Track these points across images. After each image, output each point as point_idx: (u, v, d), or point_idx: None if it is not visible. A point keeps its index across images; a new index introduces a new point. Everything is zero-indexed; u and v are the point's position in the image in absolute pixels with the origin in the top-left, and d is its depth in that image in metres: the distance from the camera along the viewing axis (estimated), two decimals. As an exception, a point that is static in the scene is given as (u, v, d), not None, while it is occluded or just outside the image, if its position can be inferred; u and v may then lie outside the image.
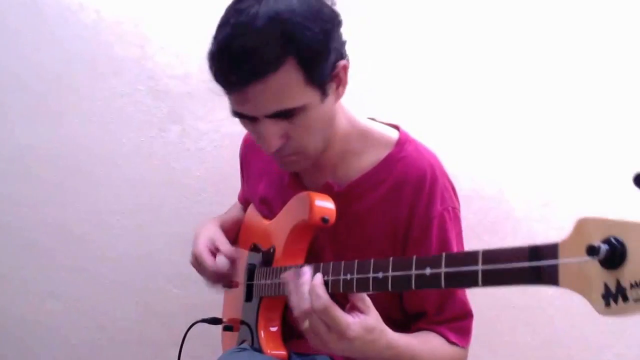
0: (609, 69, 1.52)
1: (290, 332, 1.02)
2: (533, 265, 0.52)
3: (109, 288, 1.56)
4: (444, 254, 0.63)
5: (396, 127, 1.05)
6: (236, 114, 0.92)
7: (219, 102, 1.51)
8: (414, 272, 0.66)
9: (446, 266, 0.62)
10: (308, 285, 0.79)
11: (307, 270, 0.82)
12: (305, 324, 0.78)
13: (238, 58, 0.83)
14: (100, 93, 1.55)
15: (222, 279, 1.15)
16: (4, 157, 1.55)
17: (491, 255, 0.57)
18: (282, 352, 0.99)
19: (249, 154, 1.23)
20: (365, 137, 1.02)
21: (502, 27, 1.55)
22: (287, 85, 0.85)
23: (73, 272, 1.56)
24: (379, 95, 1.53)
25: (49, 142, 1.55)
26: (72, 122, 1.55)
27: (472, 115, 1.54)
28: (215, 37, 0.87)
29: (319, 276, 0.79)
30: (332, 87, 0.92)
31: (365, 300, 0.79)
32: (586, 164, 1.53)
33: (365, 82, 1.49)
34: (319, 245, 1.01)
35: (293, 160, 0.96)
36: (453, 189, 1.03)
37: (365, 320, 0.77)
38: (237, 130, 1.51)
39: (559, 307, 1.48)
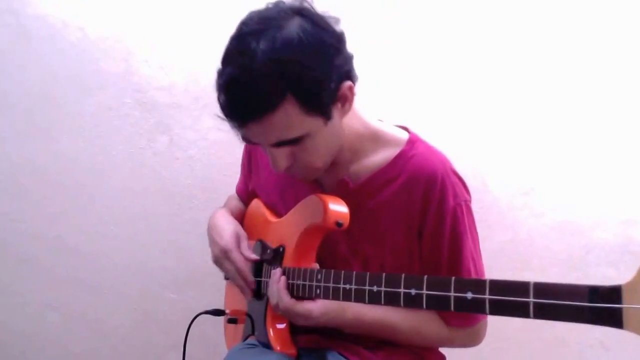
0: (587, 57, 1.54)
1: (299, 327, 1.04)
2: (594, 306, 0.52)
3: (107, 297, 1.60)
4: (487, 280, 0.63)
5: (405, 129, 1.09)
6: (245, 139, 0.97)
7: (205, 111, 1.58)
8: (452, 294, 0.66)
9: (491, 294, 0.62)
10: (275, 285, 0.98)
11: (277, 271, 0.99)
12: (280, 312, 0.98)
13: (237, 99, 0.88)
14: (88, 108, 1.58)
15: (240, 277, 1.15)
16: (-3, 174, 1.59)
17: (544, 289, 0.57)
18: (292, 351, 1.02)
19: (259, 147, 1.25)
20: (376, 137, 1.05)
21: (487, 21, 1.57)
22: (286, 120, 0.88)
23: (70, 284, 1.60)
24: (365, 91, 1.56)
25: (39, 157, 1.58)
26: (62, 137, 1.58)
27: (453, 109, 1.57)
28: (220, 74, 0.90)
29: (283, 279, 0.97)
30: (336, 107, 0.94)
31: None
32: (565, 152, 1.56)
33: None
34: (333, 240, 1.04)
35: (303, 175, 1.02)
36: (463, 183, 1.05)
37: (324, 304, 0.94)
38: (224, 138, 1.57)
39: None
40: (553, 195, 1.56)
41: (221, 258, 1.14)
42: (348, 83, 0.93)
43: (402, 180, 1.01)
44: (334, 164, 1.05)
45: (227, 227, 1.17)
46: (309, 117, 0.89)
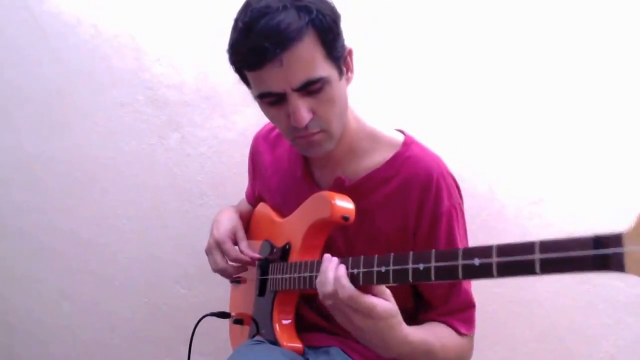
0: (600, 65, 1.47)
1: (302, 325, 1.07)
2: (598, 253, 0.55)
3: (119, 289, 1.64)
4: (495, 245, 0.65)
5: (401, 132, 1.10)
6: (264, 95, 0.94)
7: (215, 110, 1.60)
8: (460, 262, 0.68)
9: (498, 256, 0.64)
10: (332, 272, 0.84)
11: (332, 257, 0.88)
12: (329, 302, 0.85)
13: (266, 33, 0.88)
14: (100, 104, 1.61)
15: (235, 271, 1.19)
16: (15, 166, 1.64)
17: (550, 245, 0.59)
18: (298, 345, 1.03)
19: (260, 149, 1.26)
20: (372, 137, 1.07)
21: (489, 22, 1.52)
22: (312, 54, 0.90)
23: (84, 275, 1.64)
24: (366, 93, 1.51)
25: (56, 151, 1.62)
26: (76, 131, 1.62)
27: (461, 114, 1.53)
28: (236, 27, 0.92)
29: (342, 267, 0.84)
30: (343, 69, 0.98)
31: (386, 292, 0.83)
32: (575, 162, 1.48)
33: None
34: (331, 237, 1.05)
35: (317, 139, 0.98)
36: (457, 186, 1.07)
37: (388, 305, 0.82)
38: (234, 137, 1.59)
39: (555, 300, 1.48)
40: (563, 206, 1.48)
41: (213, 248, 1.18)
42: (349, 47, 0.99)
43: (397, 181, 1.03)
44: (329, 162, 1.07)
45: (226, 223, 1.21)
46: (328, 61, 0.92)
